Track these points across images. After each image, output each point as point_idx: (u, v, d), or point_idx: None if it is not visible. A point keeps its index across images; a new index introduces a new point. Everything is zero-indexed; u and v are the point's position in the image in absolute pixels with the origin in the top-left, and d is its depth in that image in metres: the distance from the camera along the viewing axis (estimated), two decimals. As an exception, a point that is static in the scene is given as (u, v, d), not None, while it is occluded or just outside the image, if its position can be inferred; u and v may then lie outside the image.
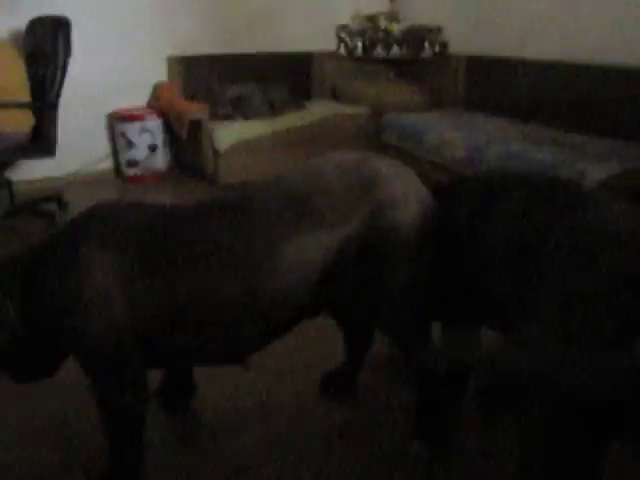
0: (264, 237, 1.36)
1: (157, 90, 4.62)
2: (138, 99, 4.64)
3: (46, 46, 3.37)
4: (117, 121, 4.42)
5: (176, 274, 1.34)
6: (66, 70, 3.37)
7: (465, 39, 5.00)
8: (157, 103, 4.54)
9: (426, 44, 5.11)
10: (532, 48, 4.47)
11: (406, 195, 1.45)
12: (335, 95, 5.36)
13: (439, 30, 5.11)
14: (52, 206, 3.82)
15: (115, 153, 4.62)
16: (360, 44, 5.27)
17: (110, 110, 4.52)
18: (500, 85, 4.73)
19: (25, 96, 3.32)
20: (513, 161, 3.56)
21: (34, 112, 3.38)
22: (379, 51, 5.26)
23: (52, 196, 3.87)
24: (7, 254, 1.49)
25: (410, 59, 5.26)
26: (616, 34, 3.90)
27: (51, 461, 1.70)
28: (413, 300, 1.53)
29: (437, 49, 5.10)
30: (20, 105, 3.28)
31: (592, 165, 3.16)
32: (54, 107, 3.39)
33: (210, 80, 4.78)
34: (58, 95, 3.38)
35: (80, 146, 4.38)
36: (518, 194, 1.41)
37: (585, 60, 4.09)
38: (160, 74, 4.69)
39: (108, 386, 1.43)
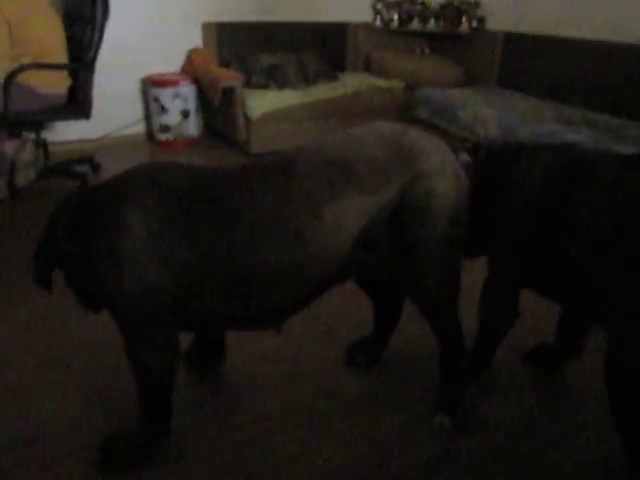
0: (307, 200, 1.38)
1: (191, 56, 4.62)
2: (172, 64, 4.66)
3: (84, 7, 3.39)
4: (151, 86, 4.44)
5: (215, 237, 1.35)
6: (103, 32, 3.39)
7: (503, 15, 4.92)
8: (191, 69, 4.54)
9: (463, 19, 5.03)
10: (570, 27, 4.38)
11: (442, 166, 1.48)
12: (369, 67, 5.32)
13: (477, 5, 5.02)
14: (85, 168, 3.88)
15: (148, 118, 4.66)
16: (396, 16, 5.21)
17: (144, 75, 4.55)
18: (536, 63, 4.66)
19: (63, 57, 3.35)
20: (546, 140, 3.52)
21: (71, 73, 3.42)
22: (415, 24, 5.20)
23: (85, 158, 3.93)
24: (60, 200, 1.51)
25: (446, 33, 5.19)
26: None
27: (81, 414, 1.76)
28: (446, 270, 1.55)
29: (474, 24, 5.02)
30: (57, 67, 3.31)
31: (628, 149, 3.12)
32: (91, 69, 3.42)
33: (244, 48, 4.78)
34: (95, 57, 3.41)
35: (113, 110, 4.44)
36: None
37: (624, 41, 3.99)
38: (195, 40, 4.70)
39: (138, 344, 1.46)
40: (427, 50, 5.56)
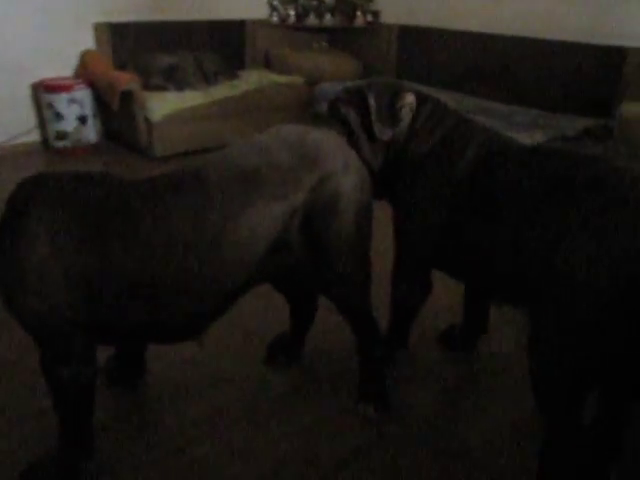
0: (219, 210, 1.39)
1: (85, 59, 4.46)
2: (65, 69, 4.47)
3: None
4: (43, 91, 4.25)
5: (126, 250, 1.33)
6: (-12, 38, 3.23)
7: (397, 9, 5.07)
8: (85, 73, 4.38)
9: (358, 13, 5.13)
10: (460, 20, 4.58)
11: (346, 165, 1.53)
12: (268, 64, 5.33)
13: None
14: (-23, 181, 3.68)
15: (42, 125, 4.46)
16: (293, 12, 5.24)
17: (35, 79, 4.34)
18: (431, 55, 4.83)
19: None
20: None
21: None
22: (312, 19, 5.25)
23: (-24, 170, 3.73)
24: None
25: (342, 28, 5.27)
26: (542, 9, 4.06)
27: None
28: (356, 263, 1.61)
29: (369, 18, 5.14)
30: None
31: (519, 134, 3.29)
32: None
33: (140, 48, 4.67)
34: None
35: (3, 117, 4.22)
36: None
37: (512, 33, 4.24)
38: (87, 42, 4.52)
39: (51, 358, 1.43)
40: (325, 45, 5.63)
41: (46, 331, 1.37)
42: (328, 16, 5.25)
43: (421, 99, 1.75)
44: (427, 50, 4.85)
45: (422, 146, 1.71)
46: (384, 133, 1.71)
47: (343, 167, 1.52)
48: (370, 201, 1.61)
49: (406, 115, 1.72)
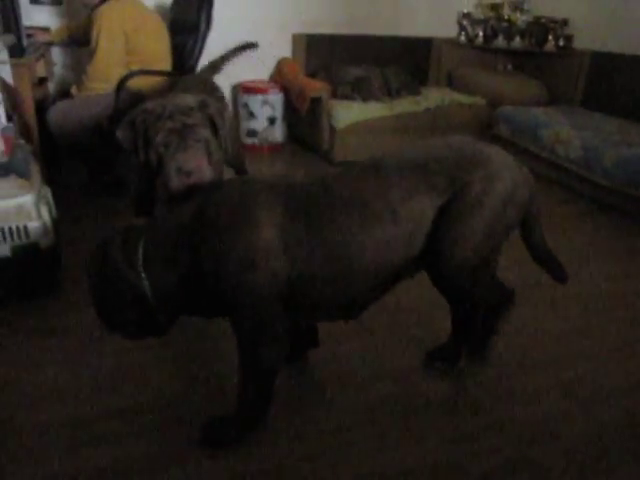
0: (394, 194, 1.63)
1: (280, 65, 4.84)
2: (262, 72, 4.88)
3: (189, 18, 3.63)
4: (241, 92, 4.67)
5: (320, 230, 1.57)
6: (205, 42, 3.62)
7: (591, 34, 4.88)
8: (280, 78, 4.75)
9: (550, 37, 5.02)
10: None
11: (500, 172, 1.70)
12: (451, 82, 5.39)
13: (565, 23, 5.00)
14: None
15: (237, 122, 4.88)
16: (481, 33, 5.25)
17: (235, 81, 4.78)
18: (624, 84, 4.60)
19: (167, 64, 3.59)
20: (631, 165, 3.51)
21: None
22: (500, 41, 5.23)
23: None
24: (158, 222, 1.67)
25: (531, 51, 5.19)
26: None
27: (183, 391, 1.94)
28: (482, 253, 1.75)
29: (561, 43, 4.99)
30: (162, 73, 3.55)
31: None
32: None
33: (331, 59, 4.96)
34: (196, 65, 3.65)
35: (205, 113, 4.66)
36: None
37: None
38: (285, 50, 4.91)
39: (257, 335, 1.61)
40: (510, 67, 5.59)
41: (266, 307, 1.59)
42: (517, 39, 5.19)
43: None
44: (620, 79, 4.62)
45: None
46: None
47: (498, 173, 1.69)
48: (516, 219, 1.77)
49: None
